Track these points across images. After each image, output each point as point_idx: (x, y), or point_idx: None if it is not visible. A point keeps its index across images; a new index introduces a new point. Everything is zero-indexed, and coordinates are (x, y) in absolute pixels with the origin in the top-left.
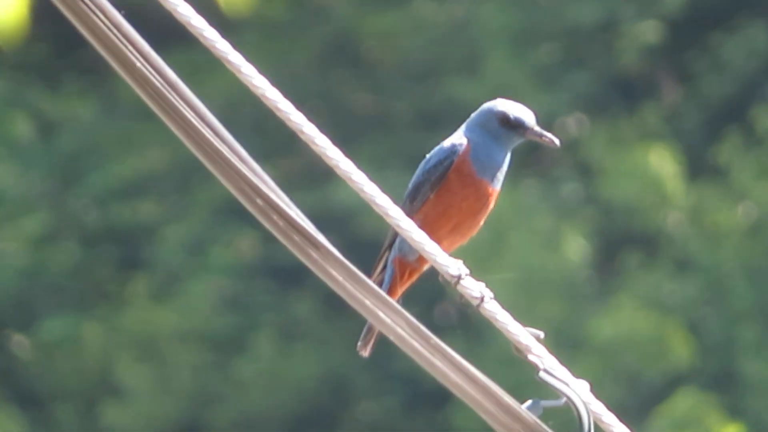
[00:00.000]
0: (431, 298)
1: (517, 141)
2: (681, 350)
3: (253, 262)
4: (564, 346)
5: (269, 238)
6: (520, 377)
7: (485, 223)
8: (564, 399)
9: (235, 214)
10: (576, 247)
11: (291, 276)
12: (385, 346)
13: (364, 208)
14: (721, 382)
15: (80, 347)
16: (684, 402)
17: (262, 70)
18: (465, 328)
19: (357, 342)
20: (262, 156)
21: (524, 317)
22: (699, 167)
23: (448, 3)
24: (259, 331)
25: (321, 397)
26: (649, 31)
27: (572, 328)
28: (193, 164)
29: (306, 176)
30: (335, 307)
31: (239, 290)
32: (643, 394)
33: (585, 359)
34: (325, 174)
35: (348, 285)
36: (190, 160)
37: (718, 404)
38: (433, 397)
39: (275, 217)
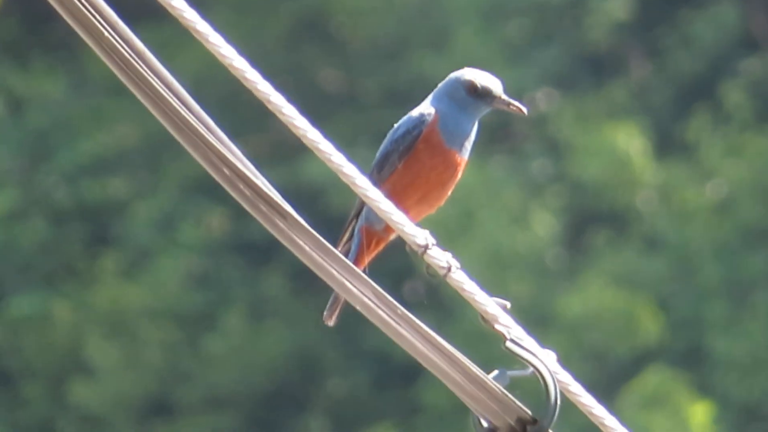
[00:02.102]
0: (400, 275)
1: (485, 110)
2: (650, 327)
3: (222, 239)
4: (533, 323)
5: (239, 215)
6: (490, 353)
7: (454, 199)
8: (531, 369)
9: (204, 191)
10: (545, 224)
11: (260, 253)
12: (354, 323)
13: (333, 185)
14: (690, 358)
15: (49, 324)
16: (653, 379)
17: (232, 45)
18: (434, 305)
19: (328, 325)
20: (231, 133)
21: (493, 293)
22: (667, 144)
23: None
24: (228, 308)
25: (291, 374)
26: (618, 7)
27: (541, 305)
28: (163, 141)
29: (275, 153)
30: (305, 284)
31: (209, 267)
32: (611, 371)
33: (554, 336)
34: (295, 151)
35: (315, 254)
36: (160, 136)
37: (686, 381)
38: (402, 374)
39: (242, 186)
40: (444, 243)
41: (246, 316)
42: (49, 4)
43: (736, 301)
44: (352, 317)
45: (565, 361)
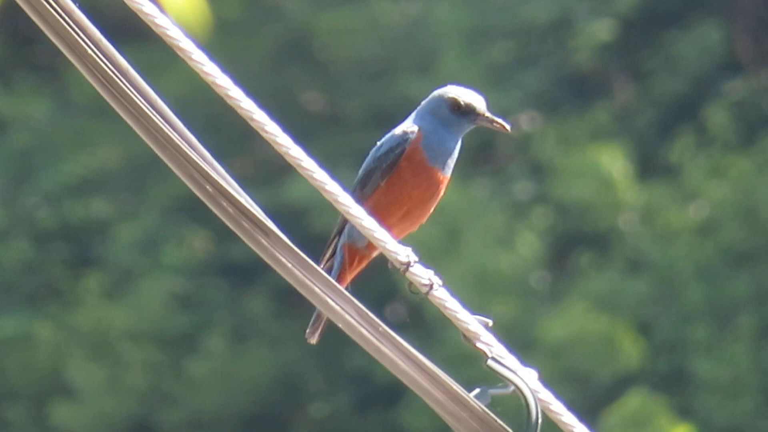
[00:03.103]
0: (382, 297)
1: (468, 127)
2: (631, 350)
3: (205, 261)
4: (516, 344)
5: (222, 236)
6: (471, 375)
7: (438, 220)
8: (512, 387)
9: (187, 212)
10: (529, 246)
11: (243, 275)
12: (336, 344)
13: (316, 206)
14: (672, 381)
15: (31, 345)
16: (634, 402)
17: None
18: (416, 326)
19: (311, 343)
20: (216, 154)
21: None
22: (651, 166)
23: (401, 1)
24: (211, 330)
25: (273, 396)
26: (602, 30)
27: (524, 327)
28: (146, 162)
29: (259, 174)
30: (288, 306)
31: (191, 289)
32: (593, 394)
33: (536, 358)
34: (278, 172)
35: (297, 271)
36: (144, 158)
37: (668, 404)
38: (384, 396)
39: (225, 203)
40: (428, 263)
41: (229, 338)
42: (33, 24)
43: (719, 324)
44: (334, 339)
45: (547, 384)
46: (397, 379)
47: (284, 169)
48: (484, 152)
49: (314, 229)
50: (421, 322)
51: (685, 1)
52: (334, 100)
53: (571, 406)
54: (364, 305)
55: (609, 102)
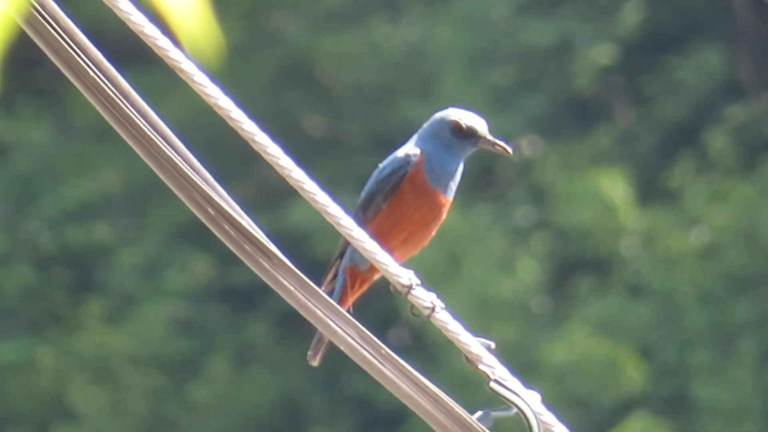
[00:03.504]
0: (384, 321)
1: (470, 150)
2: (633, 375)
3: (207, 286)
4: (518, 369)
5: (224, 261)
6: (474, 399)
7: (439, 245)
8: (515, 409)
9: (189, 237)
10: (529, 271)
11: (245, 300)
12: (338, 369)
13: (317, 230)
14: (674, 406)
15: (33, 370)
16: (637, 426)
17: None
18: (418, 350)
19: (312, 365)
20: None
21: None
22: (652, 191)
23: (402, 26)
24: (213, 355)
25: (275, 421)
26: (603, 54)
27: (526, 351)
28: (148, 187)
29: (261, 198)
30: (290, 330)
31: (193, 313)
32: (595, 419)
33: (538, 383)
34: (280, 196)
35: (299, 294)
36: (145, 182)
37: (670, 429)
38: (386, 421)
39: (227, 226)
40: (429, 287)
41: (231, 363)
42: (33, 48)
43: (721, 349)
44: (336, 363)
45: (549, 407)
46: (399, 404)
47: (286, 192)
48: (484, 177)
49: (316, 254)
50: (423, 347)
51: (686, 25)
52: (335, 125)
53: (574, 430)
54: (366, 328)
55: (610, 126)
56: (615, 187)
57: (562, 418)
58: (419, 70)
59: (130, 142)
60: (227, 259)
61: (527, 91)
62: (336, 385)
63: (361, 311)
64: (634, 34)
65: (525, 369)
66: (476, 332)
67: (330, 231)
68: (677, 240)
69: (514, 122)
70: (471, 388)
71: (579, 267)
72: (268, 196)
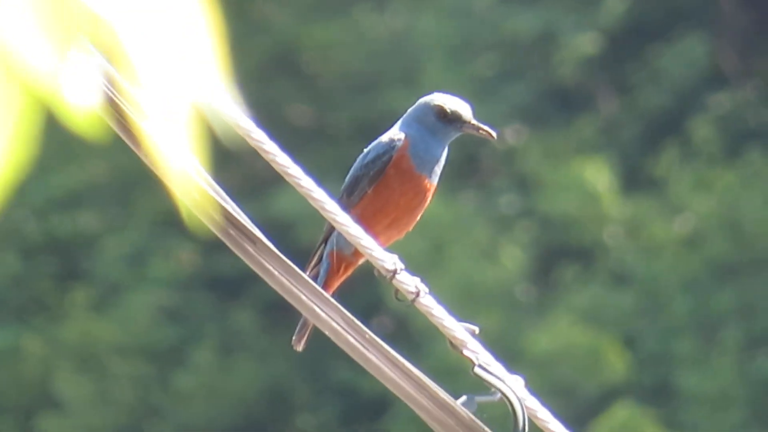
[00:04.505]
0: (369, 310)
1: (455, 135)
2: (617, 363)
3: (192, 274)
4: (502, 357)
5: (209, 249)
6: (457, 388)
7: (423, 233)
8: (499, 394)
9: (174, 225)
10: (514, 259)
11: (231, 288)
12: (323, 357)
13: (302, 219)
14: (658, 394)
15: (19, 359)
16: (620, 414)
17: None
18: (402, 339)
19: (295, 350)
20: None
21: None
22: (635, 180)
23: (387, 15)
24: (198, 343)
25: (261, 409)
26: (586, 43)
27: (510, 339)
28: (134, 176)
29: (246, 187)
30: (275, 319)
31: (179, 302)
32: (580, 407)
33: (522, 371)
34: (265, 185)
35: (284, 279)
36: (131, 171)
37: (654, 417)
38: (371, 408)
39: (211, 212)
40: (413, 273)
41: (216, 351)
42: None
43: (705, 337)
44: (321, 351)
45: (533, 394)
46: (384, 391)
47: (271, 181)
48: (469, 166)
49: (302, 243)
50: (407, 335)
51: (670, 14)
52: (320, 113)
53: (558, 415)
54: (351, 313)
55: (594, 115)
56: (599, 176)
57: (547, 405)
58: (404, 60)
59: (118, 131)
60: (212, 247)
61: (511, 80)
62: (321, 374)
63: (345, 299)
64: (618, 23)
65: (509, 357)
66: (461, 320)
67: (316, 219)
68: (661, 228)
69: (498, 111)
70: (456, 377)
71: (563, 255)
72: (253, 184)
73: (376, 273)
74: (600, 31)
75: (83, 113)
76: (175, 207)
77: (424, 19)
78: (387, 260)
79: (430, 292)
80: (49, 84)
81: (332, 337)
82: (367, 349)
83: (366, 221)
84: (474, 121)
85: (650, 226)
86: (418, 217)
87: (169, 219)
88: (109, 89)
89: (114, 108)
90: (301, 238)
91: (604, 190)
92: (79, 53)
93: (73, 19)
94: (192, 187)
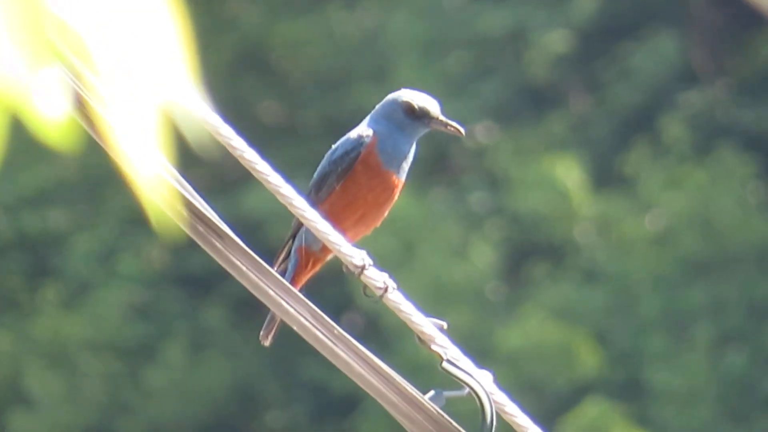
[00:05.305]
0: (338, 307)
1: (423, 131)
2: (588, 360)
3: (162, 271)
4: (472, 355)
5: (179, 247)
6: (426, 385)
7: (393, 231)
8: (467, 389)
9: (144, 223)
10: (484, 257)
11: (201, 285)
12: (293, 354)
13: (271, 217)
14: (628, 391)
15: None
16: (591, 411)
17: None
18: (372, 337)
19: (263, 344)
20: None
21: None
22: (606, 177)
23: (358, 12)
24: (169, 340)
25: (231, 406)
26: (557, 41)
27: (480, 336)
28: (103, 173)
29: (215, 185)
30: (245, 316)
31: (149, 299)
32: (550, 403)
33: (492, 368)
34: (233, 183)
35: (252, 274)
36: (100, 168)
37: (625, 413)
38: (341, 406)
39: (180, 207)
40: (381, 268)
41: (186, 348)
42: None
43: (675, 334)
44: (291, 349)
45: (503, 389)
46: (353, 389)
47: (240, 179)
48: (439, 163)
49: (270, 241)
50: (377, 333)
51: (641, 12)
52: (290, 111)
53: (526, 410)
54: (320, 309)
55: (565, 113)
56: (569, 174)
57: (516, 400)
58: (375, 57)
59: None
60: (182, 244)
61: (482, 77)
62: (291, 371)
63: (314, 296)
64: (589, 21)
65: (480, 354)
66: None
67: (284, 217)
68: (632, 226)
69: (469, 109)
70: (425, 374)
71: (533, 253)
72: (222, 182)
73: (344, 269)
74: (571, 29)
75: (53, 123)
76: (143, 208)
77: (395, 17)
78: (355, 256)
79: (399, 288)
80: (18, 92)
81: (300, 332)
82: (336, 345)
83: (334, 217)
84: (442, 117)
85: (621, 223)
86: (386, 213)
87: (138, 216)
88: (76, 85)
89: (82, 105)
90: (270, 236)
91: (574, 187)
92: (48, 62)
93: (42, 24)
94: (160, 183)
